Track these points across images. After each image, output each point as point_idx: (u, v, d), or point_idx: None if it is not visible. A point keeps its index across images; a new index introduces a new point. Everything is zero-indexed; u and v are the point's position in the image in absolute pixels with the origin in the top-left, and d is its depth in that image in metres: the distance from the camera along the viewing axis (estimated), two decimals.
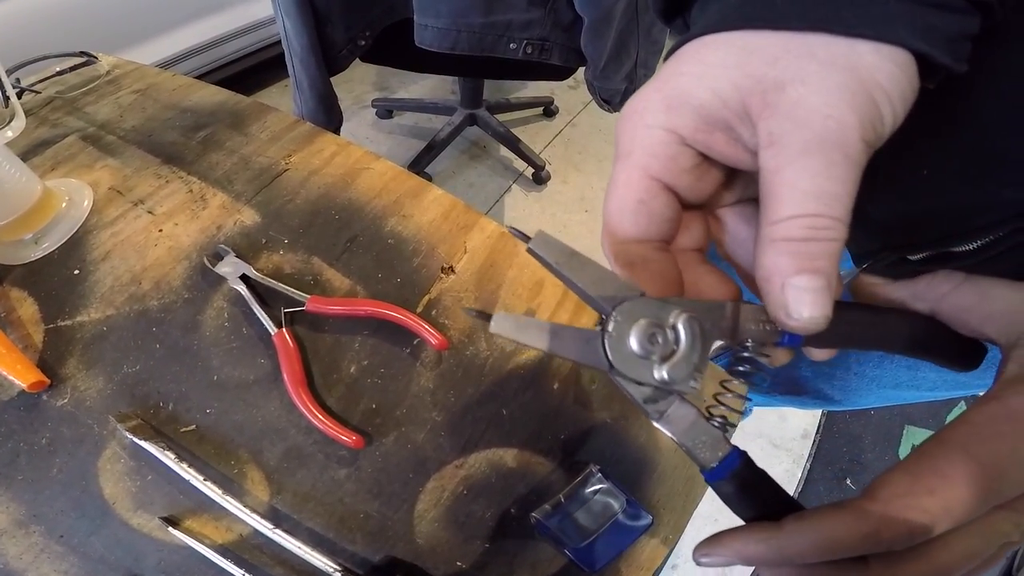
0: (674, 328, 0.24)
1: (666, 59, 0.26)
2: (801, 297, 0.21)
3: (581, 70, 1.17)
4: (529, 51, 1.08)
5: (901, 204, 0.41)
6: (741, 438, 1.42)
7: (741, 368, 0.26)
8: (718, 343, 0.25)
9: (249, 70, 2.02)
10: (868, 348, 0.25)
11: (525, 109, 2.23)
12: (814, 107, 0.21)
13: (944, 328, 0.25)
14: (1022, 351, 0.23)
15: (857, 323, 0.24)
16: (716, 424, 0.25)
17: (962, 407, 1.42)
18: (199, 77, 1.91)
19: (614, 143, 0.26)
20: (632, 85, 1.15)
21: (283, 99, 2.15)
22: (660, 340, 0.23)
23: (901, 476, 0.22)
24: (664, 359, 0.23)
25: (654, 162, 0.25)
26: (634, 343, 0.23)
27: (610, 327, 0.24)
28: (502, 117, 2.05)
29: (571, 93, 2.30)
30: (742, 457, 0.25)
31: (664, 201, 0.25)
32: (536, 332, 0.24)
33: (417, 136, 2.10)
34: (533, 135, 2.16)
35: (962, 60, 0.23)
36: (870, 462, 1.46)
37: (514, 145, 1.96)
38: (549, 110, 2.25)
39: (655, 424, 0.24)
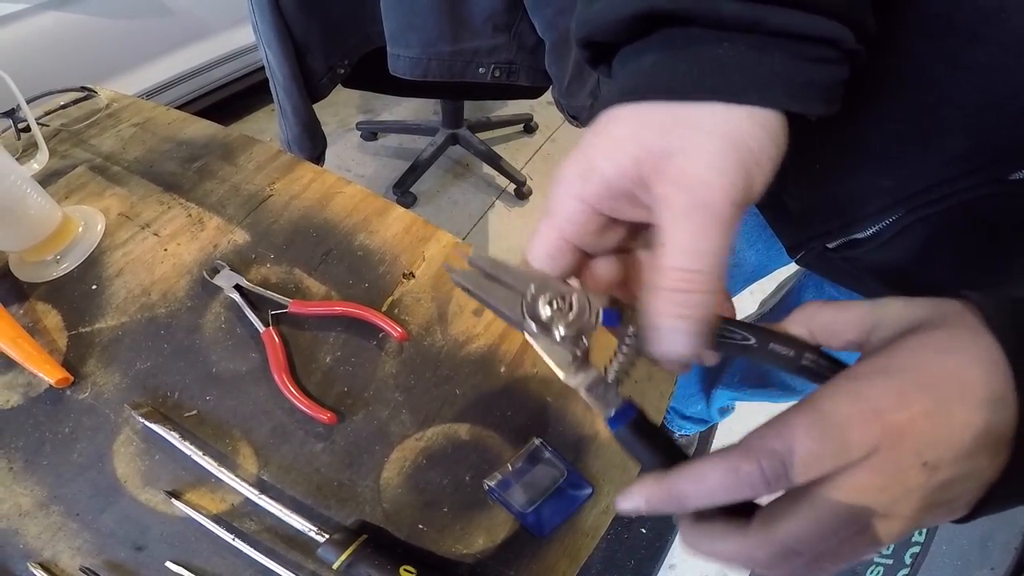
0: (570, 300, 0.30)
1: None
2: (673, 337, 0.27)
3: None
4: (497, 74, 1.12)
5: (808, 196, 0.46)
6: (731, 440, 1.35)
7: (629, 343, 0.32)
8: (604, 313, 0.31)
9: (237, 95, 2.03)
10: (759, 362, 0.31)
11: (505, 127, 2.24)
12: (693, 174, 0.25)
13: (811, 348, 0.30)
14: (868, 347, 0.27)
15: (750, 340, 0.30)
16: (611, 379, 0.30)
17: None
18: (188, 103, 1.90)
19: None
20: (597, 101, 1.20)
21: (271, 123, 2.15)
22: (559, 307, 0.30)
23: (759, 427, 0.25)
24: (562, 321, 0.30)
25: (568, 227, 0.30)
26: (543, 308, 0.30)
27: (527, 296, 0.30)
28: (483, 135, 2.07)
29: (550, 110, 2.24)
30: (636, 409, 0.29)
31: (569, 258, 0.31)
32: (488, 287, 0.31)
33: (401, 157, 2.12)
34: (514, 152, 2.18)
35: (835, 103, 0.28)
36: None
37: (496, 162, 1.98)
38: (529, 127, 2.26)
39: (563, 380, 0.30)
